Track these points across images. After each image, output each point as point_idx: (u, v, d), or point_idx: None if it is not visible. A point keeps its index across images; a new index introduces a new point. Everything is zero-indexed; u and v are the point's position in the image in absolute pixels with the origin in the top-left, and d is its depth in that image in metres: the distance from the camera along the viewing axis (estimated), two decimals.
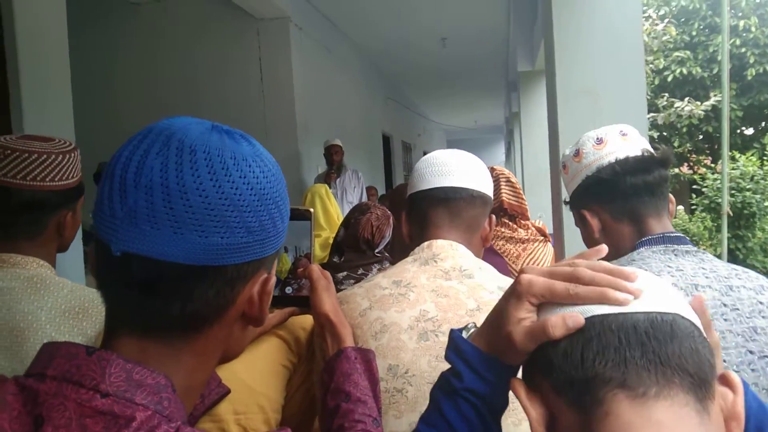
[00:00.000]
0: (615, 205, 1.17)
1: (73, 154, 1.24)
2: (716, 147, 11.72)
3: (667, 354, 0.50)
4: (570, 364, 0.52)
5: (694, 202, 10.05)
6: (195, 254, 0.54)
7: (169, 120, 0.59)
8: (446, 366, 0.68)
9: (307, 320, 1.11)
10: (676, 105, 11.01)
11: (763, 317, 1.00)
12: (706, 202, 9.34)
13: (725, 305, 1.02)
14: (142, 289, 0.55)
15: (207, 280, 0.56)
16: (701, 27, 11.77)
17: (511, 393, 0.60)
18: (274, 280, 0.64)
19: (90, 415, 0.51)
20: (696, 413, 0.49)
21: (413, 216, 1.18)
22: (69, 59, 2.77)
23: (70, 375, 0.53)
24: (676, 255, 1.11)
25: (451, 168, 1.13)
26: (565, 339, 0.53)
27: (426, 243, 1.12)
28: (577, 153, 1.24)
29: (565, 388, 0.52)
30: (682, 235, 1.15)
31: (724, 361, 0.96)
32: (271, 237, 0.61)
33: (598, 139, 1.21)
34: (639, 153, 1.17)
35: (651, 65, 11.14)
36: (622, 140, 1.20)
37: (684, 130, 11.65)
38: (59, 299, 1.15)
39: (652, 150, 1.19)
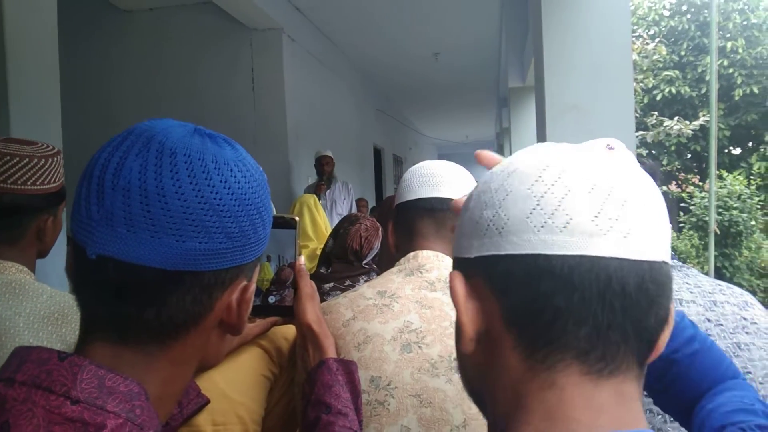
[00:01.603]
0: None
1: (55, 159, 1.22)
2: (704, 166, 11.85)
3: (646, 327, 0.45)
4: (536, 308, 0.45)
5: (681, 220, 10.13)
6: (172, 259, 0.53)
7: (151, 122, 0.58)
8: (429, 378, 0.67)
9: (289, 330, 1.09)
10: (665, 124, 11.15)
11: (746, 333, 1.00)
12: (694, 220, 9.43)
13: (709, 320, 1.02)
14: (117, 294, 0.54)
15: (184, 285, 0.55)
16: (690, 47, 11.97)
17: None
18: (254, 287, 0.63)
19: (59, 422, 0.50)
20: (638, 384, 0.47)
21: (400, 226, 1.17)
22: (59, 65, 2.76)
23: (40, 381, 0.51)
24: None
25: (439, 179, 1.13)
26: (544, 277, 0.44)
27: (412, 253, 1.11)
28: None
29: (521, 330, 0.46)
30: None
31: None
32: (252, 244, 0.59)
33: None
34: None
35: (641, 84, 11.29)
36: (609, 154, 1.20)
37: (672, 148, 11.79)
38: (38, 305, 1.13)
39: (638, 164, 1.19)
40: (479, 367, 0.51)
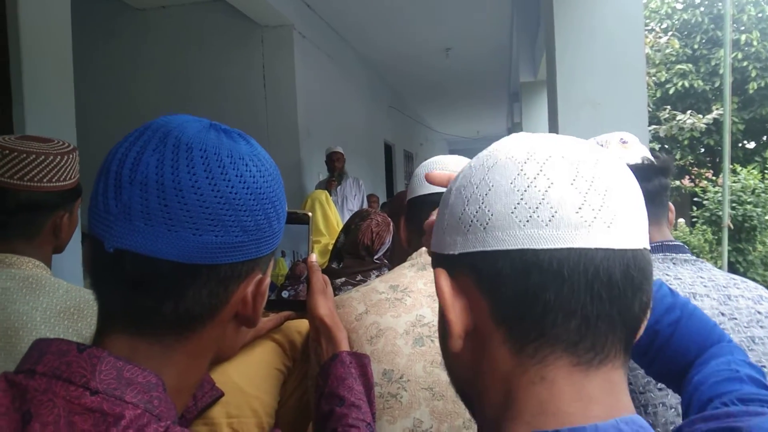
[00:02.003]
0: None
1: (71, 156, 1.24)
2: (717, 160, 11.74)
3: (632, 314, 0.46)
4: (525, 303, 0.45)
5: (695, 214, 10.04)
6: (189, 252, 0.54)
7: (167, 117, 0.58)
8: (441, 371, 0.67)
9: (302, 324, 1.10)
10: (678, 118, 11.03)
11: (761, 327, 1.00)
12: (707, 214, 9.33)
13: (723, 314, 1.01)
14: (134, 287, 0.55)
15: (200, 279, 0.56)
16: (703, 41, 11.83)
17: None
18: (268, 280, 0.64)
19: (79, 412, 0.51)
20: (625, 370, 0.47)
21: (412, 221, 1.17)
22: (73, 63, 2.79)
23: (60, 372, 0.52)
24: (674, 264, 1.10)
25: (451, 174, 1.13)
26: (532, 273, 0.44)
27: (424, 248, 1.11)
28: None
29: (510, 326, 0.46)
30: (681, 243, 1.15)
31: None
32: (267, 237, 0.60)
33: (598, 146, 1.21)
34: (639, 161, 1.16)
35: (653, 78, 11.17)
36: (622, 148, 1.19)
37: (685, 142, 11.67)
38: (54, 300, 1.14)
39: (652, 158, 1.18)
40: (467, 365, 0.51)
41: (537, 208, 0.44)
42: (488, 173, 0.47)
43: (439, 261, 0.52)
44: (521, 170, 0.45)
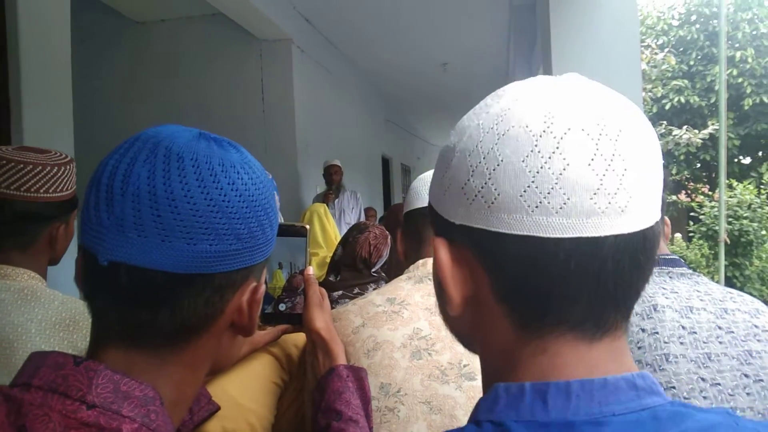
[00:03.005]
0: None
1: (68, 167, 1.24)
2: (714, 175, 11.79)
3: (634, 292, 0.44)
4: (528, 288, 0.43)
5: (691, 229, 10.07)
6: (183, 262, 0.53)
7: (156, 128, 0.58)
8: (439, 385, 0.67)
9: (299, 338, 1.10)
10: (674, 133, 11.11)
11: (758, 341, 1.00)
12: (704, 229, 9.36)
13: (720, 328, 1.01)
14: (129, 299, 0.54)
15: (196, 288, 0.55)
16: (699, 57, 11.95)
17: None
18: (263, 288, 0.63)
19: (75, 426, 0.50)
20: (626, 337, 0.46)
21: (408, 234, 1.18)
22: (73, 75, 2.80)
23: (56, 385, 0.52)
24: (671, 277, 1.10)
25: None
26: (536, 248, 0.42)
27: (421, 261, 1.11)
28: None
29: (512, 305, 0.45)
30: (677, 257, 1.15)
31: (719, 384, 0.95)
32: (261, 244, 0.60)
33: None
34: None
35: (649, 93, 11.26)
36: None
37: (682, 157, 11.74)
38: (50, 311, 1.14)
39: None
40: (467, 327, 0.50)
41: (549, 193, 0.40)
42: (498, 144, 0.43)
43: (438, 223, 0.49)
44: (535, 146, 0.41)
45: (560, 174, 0.40)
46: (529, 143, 0.41)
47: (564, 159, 0.40)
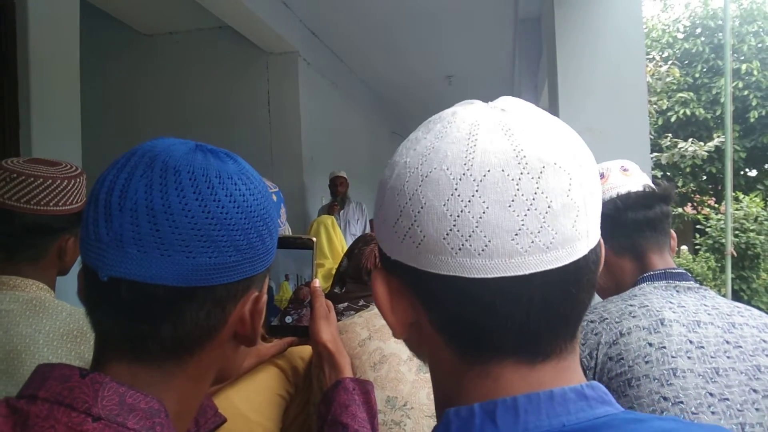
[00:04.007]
0: (616, 240, 1.17)
1: (78, 180, 1.24)
2: (720, 188, 11.75)
3: (574, 318, 0.44)
4: (461, 323, 0.44)
5: (697, 242, 10.02)
6: (184, 276, 0.53)
7: (153, 141, 0.58)
8: None
9: (305, 350, 1.10)
10: (679, 145, 11.08)
11: (766, 355, 0.99)
12: (710, 242, 9.31)
13: (728, 342, 1.01)
14: (131, 314, 0.54)
15: (197, 301, 0.55)
16: (704, 70, 11.95)
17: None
18: (265, 297, 0.63)
19: None
20: (575, 354, 0.46)
21: None
22: (82, 88, 2.82)
23: (62, 398, 0.52)
24: (678, 291, 1.10)
25: None
26: (479, 287, 0.42)
27: None
28: None
29: (449, 336, 0.45)
30: (684, 271, 1.15)
31: (727, 399, 0.94)
32: (261, 254, 0.60)
33: (599, 174, 1.22)
34: (640, 188, 1.17)
35: (655, 106, 11.26)
36: (624, 176, 1.20)
37: (687, 170, 11.71)
38: (57, 322, 1.14)
39: (653, 186, 1.19)
40: (417, 348, 0.51)
41: (470, 236, 0.41)
42: (421, 186, 0.43)
43: (380, 253, 0.50)
44: (455, 189, 0.41)
45: (480, 217, 0.41)
46: (449, 187, 0.42)
47: (483, 202, 0.41)
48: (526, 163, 0.41)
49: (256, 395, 1.00)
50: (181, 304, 0.55)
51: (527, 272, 0.41)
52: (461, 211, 0.41)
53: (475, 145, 0.42)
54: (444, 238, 0.42)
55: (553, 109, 3.26)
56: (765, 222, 9.10)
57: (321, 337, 0.96)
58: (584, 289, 0.44)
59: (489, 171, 0.41)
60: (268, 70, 5.63)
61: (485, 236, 0.41)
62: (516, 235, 0.40)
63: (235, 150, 0.61)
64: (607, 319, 1.07)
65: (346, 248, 3.03)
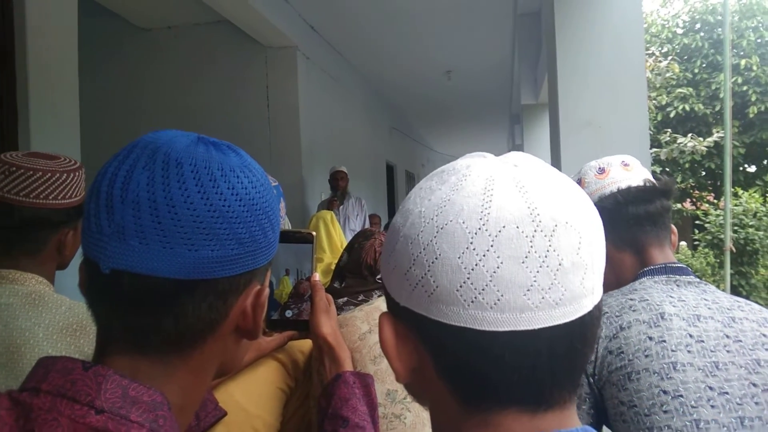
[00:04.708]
0: (617, 234, 1.17)
1: (77, 173, 1.24)
2: (719, 183, 11.76)
3: (576, 372, 0.46)
4: (467, 373, 0.45)
5: (696, 237, 10.04)
6: (185, 268, 0.53)
7: (155, 133, 0.58)
8: None
9: (305, 344, 1.10)
10: (678, 141, 11.08)
11: (766, 350, 0.99)
12: (709, 237, 9.33)
13: (728, 337, 1.01)
14: (132, 306, 0.54)
15: (199, 294, 0.55)
16: (703, 65, 11.94)
17: None
18: (267, 291, 0.63)
19: (83, 431, 0.50)
20: (574, 405, 0.47)
21: None
22: (81, 82, 2.82)
23: (65, 390, 0.52)
24: (678, 285, 1.10)
25: None
26: (488, 339, 0.43)
27: None
28: (579, 182, 1.24)
29: (453, 384, 0.46)
30: (684, 265, 1.15)
31: (727, 393, 0.95)
32: (263, 248, 0.60)
33: (600, 168, 1.22)
34: (641, 183, 1.17)
35: (654, 101, 11.25)
36: (624, 170, 1.20)
37: (686, 165, 11.71)
38: (57, 316, 1.14)
39: (654, 180, 1.19)
40: (419, 392, 0.52)
41: (483, 290, 0.42)
42: (436, 237, 0.44)
43: (387, 297, 0.51)
44: (471, 243, 0.42)
45: (494, 272, 0.42)
46: (465, 240, 0.43)
47: (498, 257, 0.42)
48: (540, 221, 0.42)
49: (256, 389, 1.00)
50: (183, 296, 0.54)
51: (536, 327, 0.42)
52: (476, 265, 0.42)
53: (491, 201, 0.43)
54: (457, 290, 0.43)
55: (552, 104, 3.26)
56: (764, 218, 9.12)
57: (321, 331, 0.96)
58: (588, 344, 0.46)
59: (504, 227, 0.42)
60: (267, 64, 5.62)
61: (498, 290, 0.42)
62: (528, 290, 0.42)
63: (234, 144, 0.61)
64: (607, 313, 1.07)
65: (345, 243, 3.04)
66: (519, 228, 0.42)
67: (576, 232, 0.43)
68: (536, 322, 0.42)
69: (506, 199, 0.43)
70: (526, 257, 0.42)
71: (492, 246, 0.42)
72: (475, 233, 0.42)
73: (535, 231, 0.42)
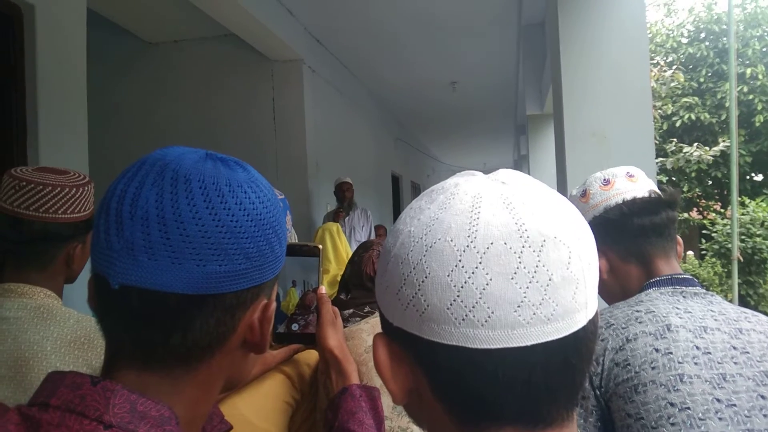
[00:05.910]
0: (622, 245, 1.17)
1: (86, 188, 1.25)
2: (725, 192, 11.71)
3: (572, 389, 0.45)
4: (462, 392, 0.45)
5: (704, 247, 9.97)
6: (194, 283, 0.54)
7: (163, 150, 0.59)
8: None
9: (312, 357, 1.10)
10: (684, 150, 11.05)
11: None
12: (716, 247, 9.27)
13: (735, 348, 1.00)
14: (141, 321, 0.55)
15: (207, 309, 0.56)
16: (709, 74, 11.92)
17: None
18: (274, 305, 0.64)
19: None
20: (573, 422, 0.47)
21: None
22: (88, 96, 2.84)
23: (74, 405, 0.52)
24: (684, 297, 1.10)
25: None
26: (483, 357, 0.43)
27: None
28: (584, 194, 1.24)
29: (449, 403, 0.46)
30: (690, 276, 1.14)
31: (735, 405, 0.94)
32: (270, 262, 0.60)
33: (605, 180, 1.22)
34: (646, 194, 1.17)
35: (659, 111, 11.24)
36: (629, 181, 1.20)
37: (693, 175, 11.66)
38: (65, 329, 1.15)
39: (659, 191, 1.19)
40: (416, 413, 0.51)
41: (473, 307, 0.42)
42: (426, 256, 0.44)
43: (381, 317, 0.51)
44: (459, 260, 0.42)
45: (483, 289, 0.42)
46: (453, 258, 0.43)
47: (487, 274, 0.42)
48: (528, 237, 0.42)
49: (262, 402, 1.01)
50: (192, 311, 0.55)
51: (529, 343, 0.42)
52: (465, 282, 0.42)
53: (478, 218, 0.43)
54: (448, 308, 0.43)
55: (557, 114, 3.26)
56: None
57: (328, 344, 0.96)
58: (584, 359, 0.45)
59: (492, 243, 0.42)
60: (273, 77, 5.65)
61: (488, 307, 0.42)
62: (518, 306, 0.42)
63: (240, 157, 0.62)
64: (613, 324, 1.07)
65: (351, 255, 3.04)
66: (507, 244, 0.42)
67: (565, 246, 0.43)
68: (528, 339, 0.42)
69: (493, 215, 0.43)
70: (515, 273, 0.42)
71: (480, 263, 0.42)
72: (464, 251, 0.42)
73: (523, 246, 0.42)
